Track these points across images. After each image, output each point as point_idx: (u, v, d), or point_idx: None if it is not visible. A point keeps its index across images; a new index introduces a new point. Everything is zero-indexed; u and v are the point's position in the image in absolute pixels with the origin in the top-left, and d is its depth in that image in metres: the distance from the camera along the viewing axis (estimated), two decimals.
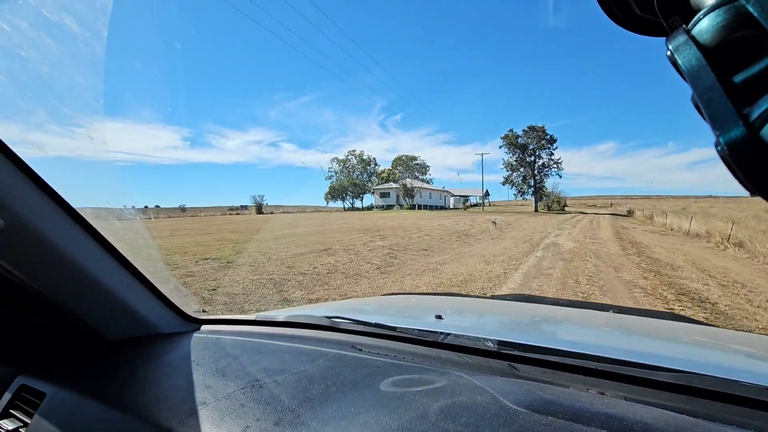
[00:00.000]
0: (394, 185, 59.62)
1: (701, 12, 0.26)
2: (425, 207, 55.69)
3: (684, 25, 0.28)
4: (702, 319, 4.53)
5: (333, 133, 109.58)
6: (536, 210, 51.63)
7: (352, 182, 65.37)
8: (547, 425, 0.63)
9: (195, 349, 1.07)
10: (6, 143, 0.83)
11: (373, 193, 64.05)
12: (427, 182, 72.43)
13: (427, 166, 78.20)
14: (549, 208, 53.98)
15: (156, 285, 1.20)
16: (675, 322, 1.57)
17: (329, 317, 1.25)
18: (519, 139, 54.49)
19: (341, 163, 70.78)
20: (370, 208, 61.34)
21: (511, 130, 55.53)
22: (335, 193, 64.73)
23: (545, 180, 56.05)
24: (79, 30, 1.09)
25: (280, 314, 1.39)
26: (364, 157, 71.43)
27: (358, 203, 66.41)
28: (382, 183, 65.14)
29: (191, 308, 1.33)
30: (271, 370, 0.91)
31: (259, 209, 56.49)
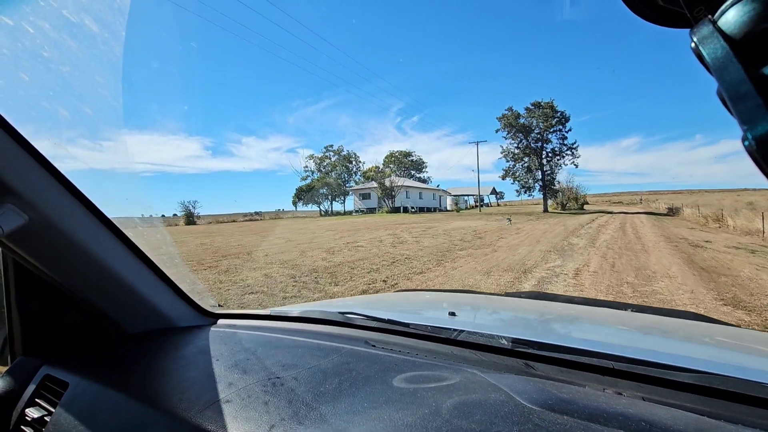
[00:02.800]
0: (375, 185, 50.19)
1: (728, 2, 0.26)
2: (415, 209, 47.19)
3: (710, 16, 0.27)
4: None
5: (351, 137, 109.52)
6: (546, 210, 39.89)
7: (324, 182, 54.40)
8: (562, 424, 0.62)
9: (212, 343, 1.09)
10: (31, 142, 0.85)
11: (351, 194, 54.58)
12: (424, 181, 63.24)
13: (424, 163, 67.79)
14: (564, 207, 43.11)
15: (174, 280, 1.22)
16: (695, 322, 1.53)
17: (343, 313, 1.25)
18: (521, 120, 41.76)
19: (318, 162, 59.10)
20: (352, 212, 51.73)
21: (511, 109, 42.07)
22: (304, 195, 54.17)
23: (556, 171, 42.84)
24: (99, 30, 1.12)
25: (295, 309, 1.41)
26: (344, 153, 59.62)
27: (339, 206, 55.95)
28: (367, 183, 54.49)
29: (208, 303, 1.35)
30: (285, 365, 0.92)
31: (190, 219, 41.57)
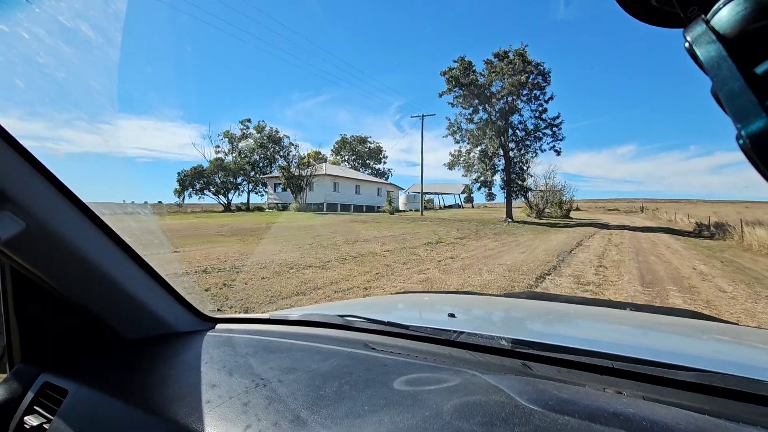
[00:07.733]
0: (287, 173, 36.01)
1: (721, 2, 0.26)
2: (348, 207, 36.30)
3: (703, 16, 0.27)
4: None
5: (350, 132, 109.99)
6: (509, 218, 24.46)
7: (218, 166, 39.62)
8: (563, 425, 0.62)
9: (210, 348, 1.08)
10: (26, 147, 0.85)
11: (267, 184, 40.80)
12: (382, 174, 52.17)
13: (383, 151, 54.71)
14: (540, 214, 29.48)
15: (172, 285, 1.22)
16: (695, 320, 1.53)
17: (342, 316, 1.25)
18: (478, 78, 24.50)
19: (234, 141, 43.05)
20: (268, 207, 38.23)
21: (462, 59, 24.52)
22: (191, 182, 39.06)
23: (530, 160, 26.02)
24: (94, 35, 1.12)
25: (294, 313, 1.40)
26: (266, 131, 43.28)
27: (258, 198, 42.59)
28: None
29: (207, 307, 1.35)
30: (284, 369, 0.92)
31: None
